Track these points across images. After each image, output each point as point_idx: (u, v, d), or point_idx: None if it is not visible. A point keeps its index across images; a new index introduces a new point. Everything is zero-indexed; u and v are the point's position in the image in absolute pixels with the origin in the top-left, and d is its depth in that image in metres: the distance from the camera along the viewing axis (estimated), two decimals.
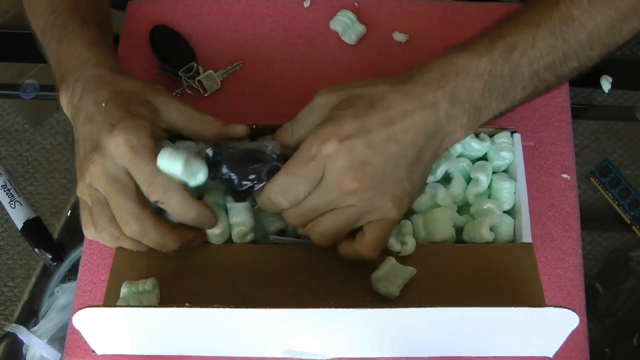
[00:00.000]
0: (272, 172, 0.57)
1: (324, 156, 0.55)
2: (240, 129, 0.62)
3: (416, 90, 0.56)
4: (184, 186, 0.57)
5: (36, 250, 0.73)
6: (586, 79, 0.77)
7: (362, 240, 0.58)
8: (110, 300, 0.59)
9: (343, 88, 0.59)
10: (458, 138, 0.58)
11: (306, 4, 0.80)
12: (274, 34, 0.79)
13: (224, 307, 0.52)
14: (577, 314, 0.52)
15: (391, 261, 0.60)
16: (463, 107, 0.56)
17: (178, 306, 0.53)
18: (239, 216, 0.61)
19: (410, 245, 0.61)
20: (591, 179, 0.74)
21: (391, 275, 0.59)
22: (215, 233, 0.61)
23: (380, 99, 0.56)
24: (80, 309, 0.53)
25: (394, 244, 0.61)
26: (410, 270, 0.59)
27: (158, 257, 0.61)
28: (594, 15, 0.57)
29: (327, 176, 0.55)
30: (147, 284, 0.59)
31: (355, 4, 0.79)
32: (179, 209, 0.58)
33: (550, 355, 0.59)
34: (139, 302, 0.58)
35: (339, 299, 0.55)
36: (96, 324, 0.55)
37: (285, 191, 0.56)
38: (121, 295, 0.59)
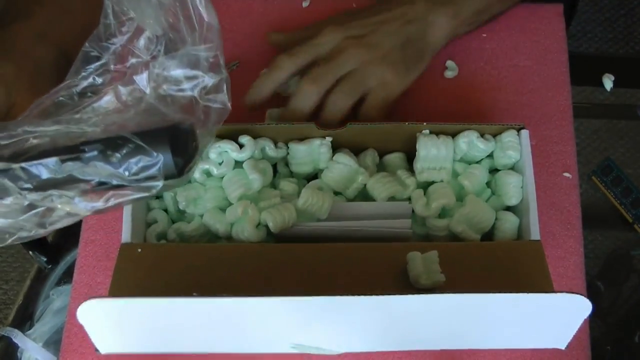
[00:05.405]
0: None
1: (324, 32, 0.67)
2: None
3: None
4: None
5: (31, 253, 0.73)
6: (588, 78, 0.78)
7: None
8: (115, 295, 0.58)
9: None
10: (442, 23, 0.67)
11: (305, 4, 0.79)
12: None
13: (232, 296, 0.51)
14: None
15: (416, 255, 0.58)
16: None
17: (186, 296, 0.52)
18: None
19: None
20: (593, 177, 0.74)
21: (425, 265, 0.58)
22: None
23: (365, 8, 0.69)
24: (85, 300, 0.51)
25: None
26: (434, 254, 0.58)
27: (164, 256, 0.60)
28: None
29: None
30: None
31: (354, 5, 0.79)
32: None
33: (563, 347, 0.59)
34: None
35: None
36: (102, 318, 0.54)
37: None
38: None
